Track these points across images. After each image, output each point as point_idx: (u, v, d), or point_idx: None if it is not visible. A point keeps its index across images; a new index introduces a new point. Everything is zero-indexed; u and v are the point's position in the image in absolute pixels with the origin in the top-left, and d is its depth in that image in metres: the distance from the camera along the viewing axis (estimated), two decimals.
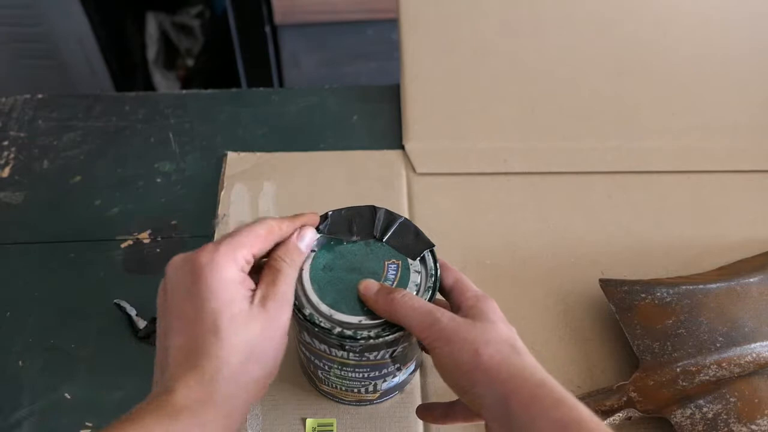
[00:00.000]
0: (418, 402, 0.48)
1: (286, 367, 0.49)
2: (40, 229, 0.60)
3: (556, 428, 0.30)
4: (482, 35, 0.67)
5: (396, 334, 0.38)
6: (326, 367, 0.42)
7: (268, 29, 1.12)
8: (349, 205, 0.42)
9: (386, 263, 0.40)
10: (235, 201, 0.61)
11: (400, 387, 0.47)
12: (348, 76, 1.22)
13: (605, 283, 0.52)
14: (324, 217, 0.41)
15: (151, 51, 1.35)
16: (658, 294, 0.50)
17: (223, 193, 0.61)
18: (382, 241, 0.41)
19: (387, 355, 0.40)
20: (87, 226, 0.60)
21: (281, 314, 0.35)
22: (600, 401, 0.47)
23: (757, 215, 0.61)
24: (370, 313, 0.38)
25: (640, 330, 0.48)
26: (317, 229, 0.41)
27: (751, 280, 0.51)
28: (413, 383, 0.49)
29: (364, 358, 0.39)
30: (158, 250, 0.58)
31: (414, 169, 0.63)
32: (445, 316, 0.36)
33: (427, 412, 0.42)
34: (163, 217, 0.61)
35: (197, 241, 0.59)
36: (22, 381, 0.50)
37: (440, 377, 0.36)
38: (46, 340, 0.53)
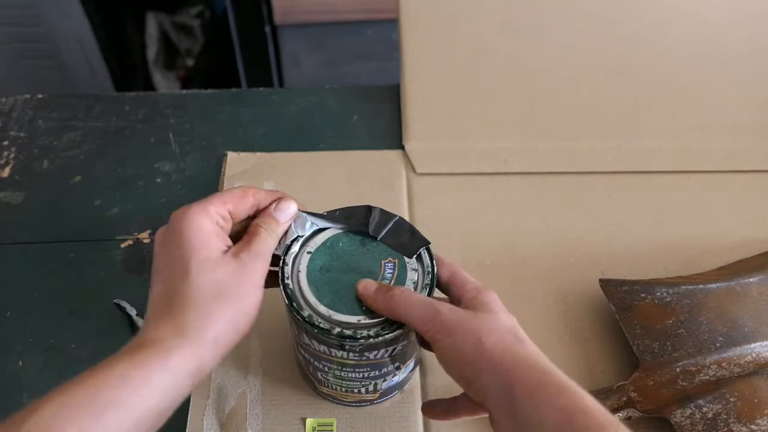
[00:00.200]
0: (418, 401, 0.48)
1: (286, 368, 0.50)
2: (40, 229, 0.60)
3: (561, 415, 0.31)
4: (482, 35, 0.67)
5: (396, 332, 0.38)
6: (326, 369, 0.42)
7: (268, 29, 1.12)
8: (349, 205, 0.42)
9: (383, 262, 0.40)
10: None
11: (399, 386, 0.47)
12: (348, 76, 1.22)
13: (605, 283, 0.52)
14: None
15: (151, 51, 1.35)
16: (658, 294, 0.50)
17: None
18: (377, 240, 0.41)
19: (386, 354, 0.40)
20: (87, 226, 0.60)
21: (254, 264, 0.36)
22: (600, 401, 0.46)
23: (757, 215, 0.61)
24: (369, 312, 0.38)
25: (640, 330, 0.48)
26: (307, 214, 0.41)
27: (751, 280, 0.51)
28: (413, 383, 0.49)
29: (363, 358, 0.39)
30: None
31: (414, 169, 0.63)
32: (445, 307, 0.36)
33: (431, 409, 0.43)
34: (163, 217, 0.59)
35: None
36: (22, 381, 0.50)
37: (442, 374, 0.36)
38: (46, 340, 0.53)
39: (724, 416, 0.44)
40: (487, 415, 0.35)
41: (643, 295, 0.50)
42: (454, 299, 0.38)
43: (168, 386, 0.31)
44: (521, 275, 0.56)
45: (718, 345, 0.47)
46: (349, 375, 0.42)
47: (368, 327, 0.38)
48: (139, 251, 0.58)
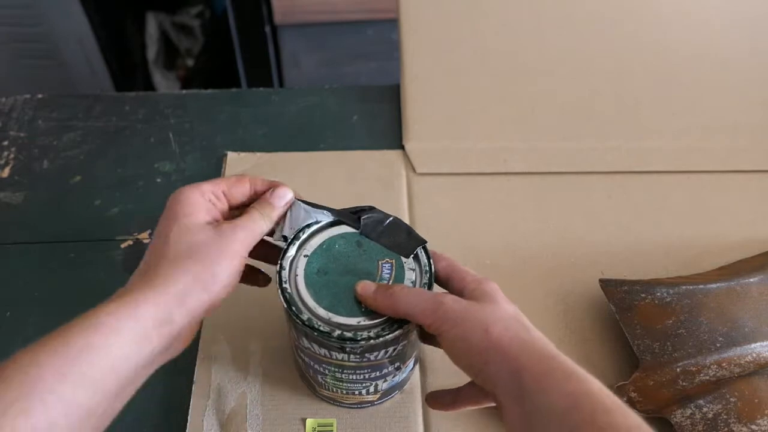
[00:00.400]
0: (419, 401, 0.48)
1: (285, 369, 0.50)
2: (40, 229, 0.60)
3: (569, 400, 0.31)
4: (482, 35, 0.67)
5: (396, 332, 0.38)
6: (326, 372, 0.42)
7: (268, 29, 1.12)
8: (348, 206, 0.42)
9: (380, 263, 0.40)
10: None
11: (400, 386, 0.47)
12: (348, 76, 1.22)
13: (605, 283, 0.52)
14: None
15: (151, 51, 1.35)
16: (658, 294, 0.50)
17: None
18: (373, 240, 0.41)
19: (386, 355, 0.40)
20: (87, 226, 0.60)
21: (233, 233, 0.37)
22: None
23: (757, 215, 0.61)
24: (368, 313, 0.38)
25: (640, 330, 0.48)
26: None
27: (751, 280, 0.51)
28: (413, 382, 0.49)
29: (364, 360, 0.39)
30: None
31: (414, 169, 0.63)
32: (448, 298, 0.36)
33: (436, 400, 0.43)
34: None
35: None
36: None
37: (442, 373, 0.36)
38: None
39: (725, 416, 0.44)
40: (487, 407, 0.35)
41: (643, 295, 0.50)
42: (455, 291, 0.39)
43: (137, 336, 0.32)
44: (521, 275, 0.56)
45: (718, 345, 0.47)
46: (350, 377, 0.42)
47: (368, 328, 0.37)
48: (139, 251, 0.58)
